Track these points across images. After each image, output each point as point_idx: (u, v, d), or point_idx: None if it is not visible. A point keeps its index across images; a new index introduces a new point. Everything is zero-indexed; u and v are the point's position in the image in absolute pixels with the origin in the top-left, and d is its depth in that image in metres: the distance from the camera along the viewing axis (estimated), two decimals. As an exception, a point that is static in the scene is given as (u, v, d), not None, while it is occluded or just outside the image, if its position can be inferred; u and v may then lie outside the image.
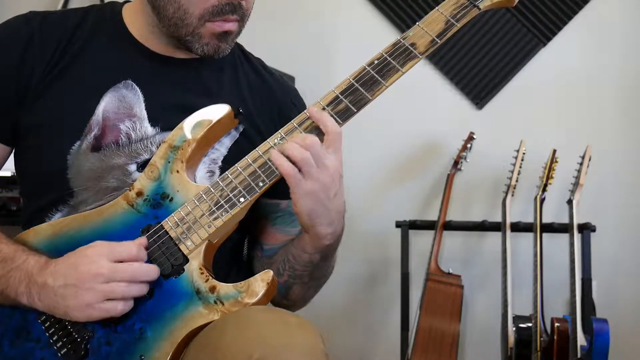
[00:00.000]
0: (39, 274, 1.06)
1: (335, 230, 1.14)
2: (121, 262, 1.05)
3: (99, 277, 1.03)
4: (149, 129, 1.20)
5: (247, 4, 1.19)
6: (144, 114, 1.20)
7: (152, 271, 1.06)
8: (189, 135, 1.13)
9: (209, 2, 1.15)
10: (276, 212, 1.29)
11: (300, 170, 1.06)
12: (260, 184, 1.09)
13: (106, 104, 1.19)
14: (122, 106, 1.19)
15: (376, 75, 1.11)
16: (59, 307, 1.05)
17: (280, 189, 1.12)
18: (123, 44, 1.24)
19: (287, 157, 1.07)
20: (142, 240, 1.09)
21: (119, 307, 1.04)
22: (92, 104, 1.19)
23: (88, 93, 1.19)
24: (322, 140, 1.09)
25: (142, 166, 1.17)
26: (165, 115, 1.19)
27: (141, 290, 1.05)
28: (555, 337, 2.24)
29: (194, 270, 1.08)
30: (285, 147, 1.07)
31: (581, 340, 2.19)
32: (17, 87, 1.19)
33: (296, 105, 1.33)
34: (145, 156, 1.18)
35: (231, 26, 1.18)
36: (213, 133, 1.15)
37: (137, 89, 1.21)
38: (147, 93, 1.21)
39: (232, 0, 1.16)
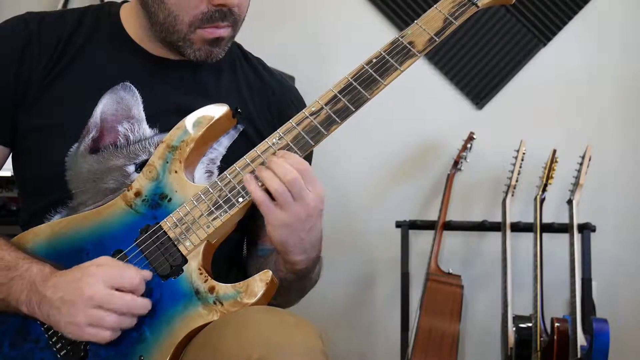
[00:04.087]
0: (42, 284, 1.05)
1: (309, 257, 1.12)
2: (119, 289, 1.03)
3: (91, 300, 1.01)
4: (147, 130, 1.19)
5: (239, 10, 1.18)
6: (142, 115, 1.20)
7: (145, 306, 1.05)
8: (187, 135, 1.13)
9: (198, 9, 1.14)
10: None
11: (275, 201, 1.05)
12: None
13: (104, 106, 1.19)
14: (120, 108, 1.19)
15: (374, 74, 1.11)
16: (54, 319, 1.04)
17: None
18: (121, 45, 1.23)
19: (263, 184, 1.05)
20: (147, 273, 1.06)
21: (106, 336, 1.02)
22: (90, 106, 1.19)
23: (86, 95, 1.19)
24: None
25: (140, 167, 1.17)
26: (164, 117, 1.19)
27: (131, 323, 1.04)
28: (555, 337, 2.24)
29: (193, 270, 1.08)
30: (262, 175, 1.05)
31: (581, 340, 2.19)
32: (15, 88, 1.18)
33: (295, 104, 1.32)
34: (144, 157, 1.18)
35: (222, 32, 1.17)
36: (211, 133, 1.15)
37: (135, 90, 1.20)
38: (145, 95, 1.20)
39: (222, 8, 1.14)
